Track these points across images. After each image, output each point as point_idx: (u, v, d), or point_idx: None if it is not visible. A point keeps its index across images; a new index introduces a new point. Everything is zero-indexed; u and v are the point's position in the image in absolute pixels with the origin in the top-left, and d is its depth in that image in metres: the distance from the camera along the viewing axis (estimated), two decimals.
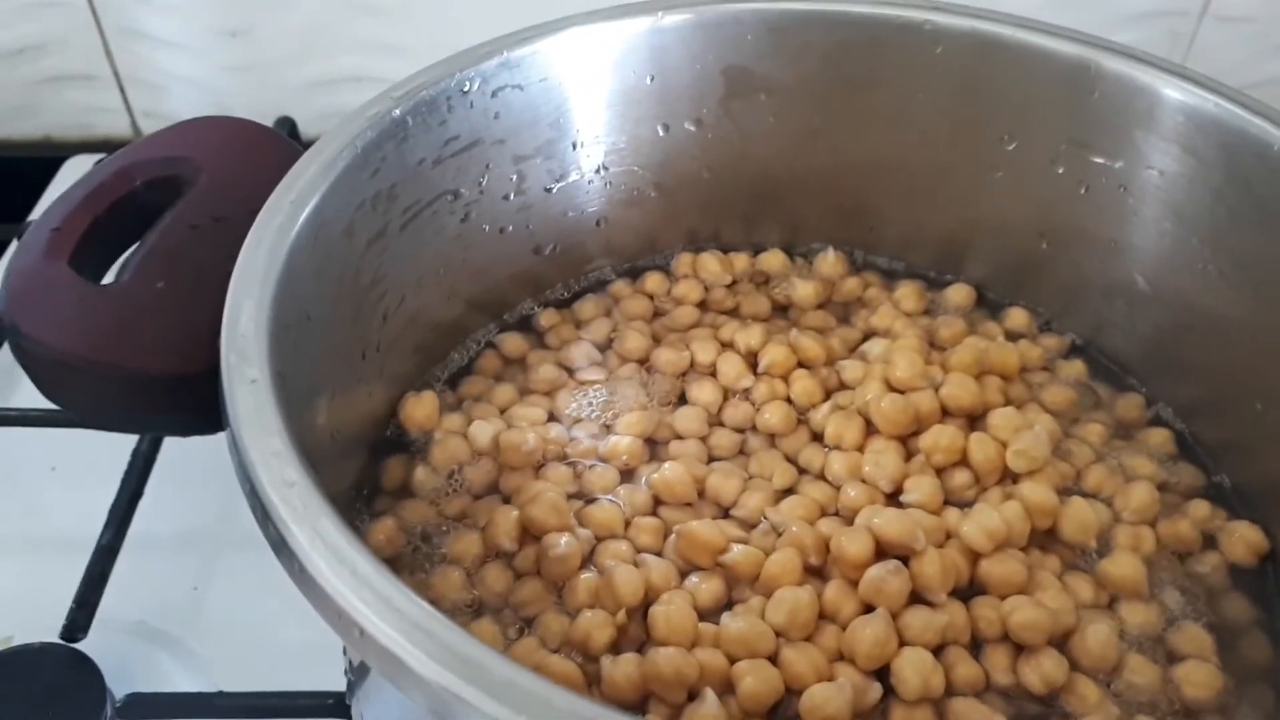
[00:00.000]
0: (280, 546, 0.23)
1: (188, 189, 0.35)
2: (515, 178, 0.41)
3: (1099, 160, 0.40)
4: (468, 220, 0.40)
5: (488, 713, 0.20)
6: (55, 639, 0.39)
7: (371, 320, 0.36)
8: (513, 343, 0.43)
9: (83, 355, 0.30)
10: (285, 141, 0.38)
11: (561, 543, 0.34)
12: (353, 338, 0.35)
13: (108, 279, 0.33)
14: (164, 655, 0.40)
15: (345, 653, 0.37)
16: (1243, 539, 0.35)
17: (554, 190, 0.42)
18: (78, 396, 0.31)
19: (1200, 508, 0.37)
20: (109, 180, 0.34)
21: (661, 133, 0.43)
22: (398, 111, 0.36)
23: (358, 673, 0.34)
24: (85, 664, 0.37)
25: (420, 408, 0.39)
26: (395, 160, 0.36)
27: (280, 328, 0.28)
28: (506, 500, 0.37)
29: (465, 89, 0.37)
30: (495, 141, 0.39)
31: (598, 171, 0.43)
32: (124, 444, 0.46)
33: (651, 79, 0.41)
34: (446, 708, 0.21)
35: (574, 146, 0.42)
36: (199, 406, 0.28)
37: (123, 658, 0.39)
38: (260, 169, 0.34)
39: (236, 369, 0.26)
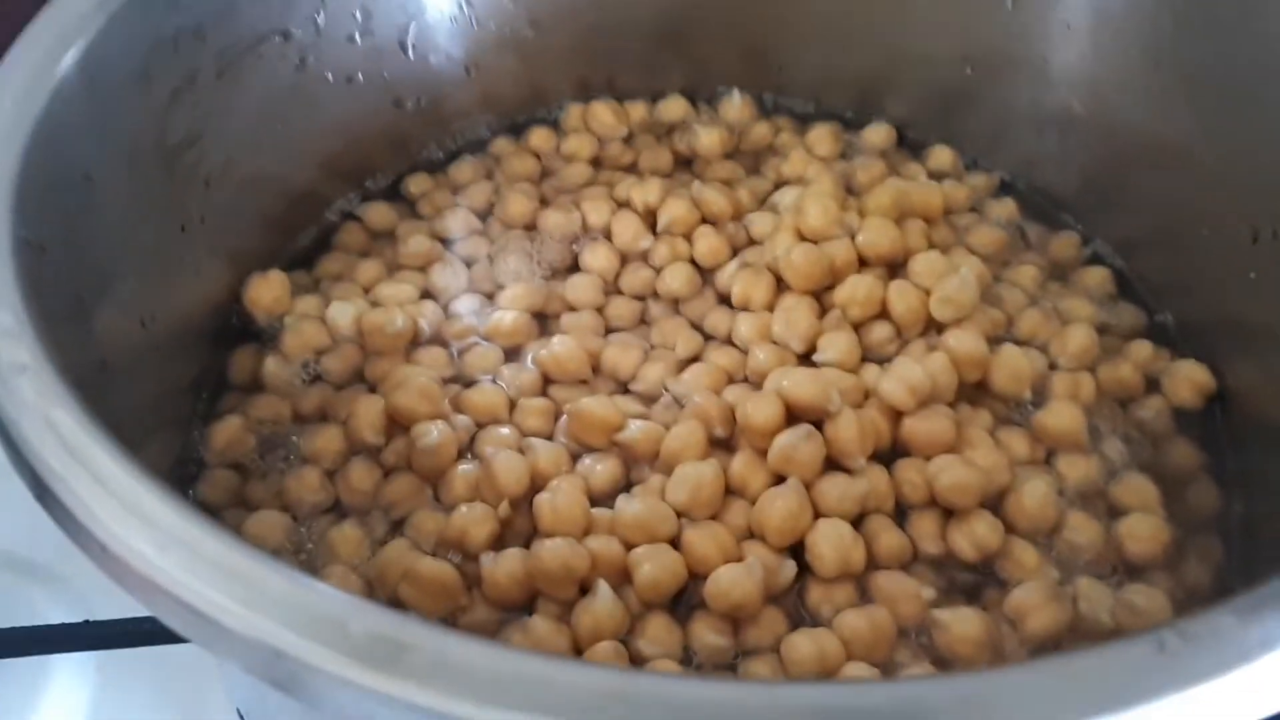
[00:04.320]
0: (7, 444, 0.18)
1: None
2: (359, 14, 0.35)
3: None
4: (304, 67, 0.34)
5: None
6: None
7: (190, 186, 0.31)
8: (378, 213, 0.38)
9: None
10: None
11: (434, 431, 0.30)
12: (164, 206, 0.30)
13: None
14: (32, 586, 0.36)
15: None
16: (1188, 379, 0.32)
17: (408, 30, 0.37)
18: None
19: (1142, 349, 0.34)
20: None
21: None
22: None
23: None
24: None
25: (267, 289, 0.34)
26: None
27: (39, 188, 0.23)
28: (372, 389, 0.32)
29: None
30: None
31: (460, 7, 0.37)
32: None
33: None
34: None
35: None
36: None
37: None
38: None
39: None
